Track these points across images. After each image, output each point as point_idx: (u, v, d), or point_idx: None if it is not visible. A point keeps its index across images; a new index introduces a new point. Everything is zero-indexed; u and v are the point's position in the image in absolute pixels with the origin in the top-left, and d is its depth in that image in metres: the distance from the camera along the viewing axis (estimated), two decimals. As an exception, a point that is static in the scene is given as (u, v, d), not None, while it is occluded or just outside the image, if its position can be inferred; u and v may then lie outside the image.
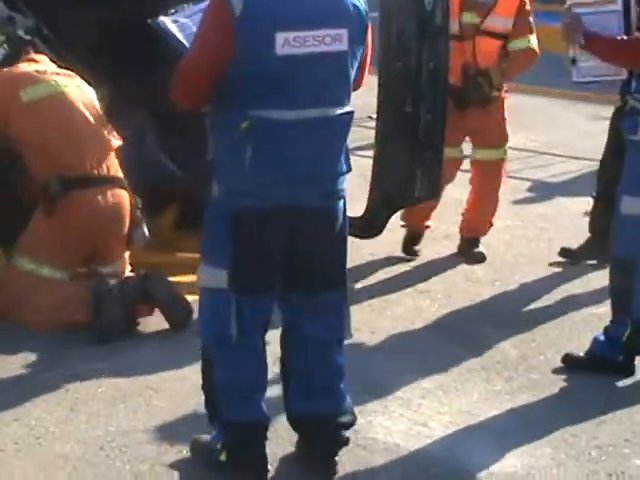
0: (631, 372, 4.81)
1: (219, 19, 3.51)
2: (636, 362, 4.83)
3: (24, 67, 5.20)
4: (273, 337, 3.97)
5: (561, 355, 4.91)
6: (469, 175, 6.43)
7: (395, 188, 5.67)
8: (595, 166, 8.06)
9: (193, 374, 4.23)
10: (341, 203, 3.79)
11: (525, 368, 4.87)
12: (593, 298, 5.75)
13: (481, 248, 6.36)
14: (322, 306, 3.81)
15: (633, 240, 4.69)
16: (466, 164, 6.43)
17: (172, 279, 5.25)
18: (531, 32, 6.12)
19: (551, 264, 6.29)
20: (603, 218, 5.64)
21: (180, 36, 3.79)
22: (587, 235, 6.39)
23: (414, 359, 4.90)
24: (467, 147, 6.40)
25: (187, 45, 3.73)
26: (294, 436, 3.96)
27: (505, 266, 6.27)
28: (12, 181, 5.19)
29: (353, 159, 3.81)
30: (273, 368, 3.95)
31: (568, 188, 8.17)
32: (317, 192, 3.69)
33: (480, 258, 6.30)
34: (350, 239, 3.96)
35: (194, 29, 3.74)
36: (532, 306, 5.69)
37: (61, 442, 4.02)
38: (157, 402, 4.36)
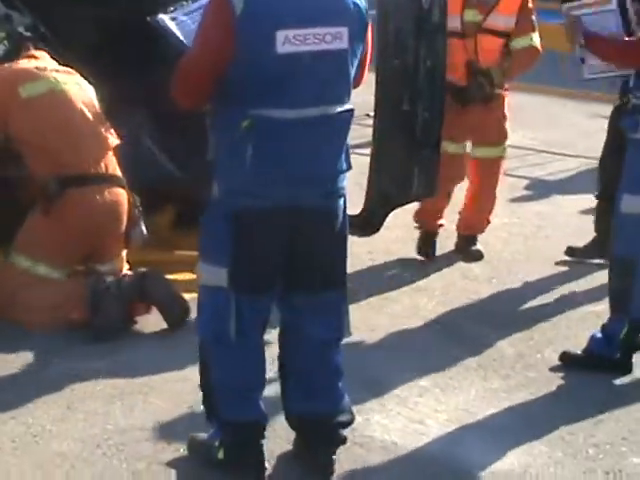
0: (628, 370, 4.82)
1: (220, 18, 3.50)
2: (634, 360, 4.83)
3: (24, 63, 5.19)
4: (271, 337, 3.97)
5: (558, 353, 4.92)
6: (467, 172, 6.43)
7: (392, 186, 5.66)
8: (593, 164, 8.07)
9: (191, 373, 4.23)
10: (341, 202, 3.79)
11: (522, 366, 4.87)
12: (590, 296, 5.75)
13: (478, 246, 6.36)
14: (322, 306, 3.81)
15: (633, 239, 4.69)
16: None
17: (170, 277, 5.25)
18: (534, 30, 6.11)
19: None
20: (606, 217, 5.65)
21: (179, 34, 3.77)
22: (584, 233, 6.40)
23: (411, 357, 4.90)
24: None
25: (186, 43, 3.72)
26: (292, 434, 3.96)
27: (502, 264, 6.27)
28: (10, 179, 5.19)
29: (351, 157, 3.81)
30: (271, 367, 3.95)
31: (565, 186, 8.18)
32: (317, 191, 3.69)
33: (477, 256, 6.30)
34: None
35: (193, 27, 3.73)
36: (529, 304, 5.70)
37: (58, 440, 4.02)
38: (154, 400, 4.36)
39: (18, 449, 3.95)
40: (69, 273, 5.14)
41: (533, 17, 6.15)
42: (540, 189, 8.07)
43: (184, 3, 3.96)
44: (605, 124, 6.23)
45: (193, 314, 4.80)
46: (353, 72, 3.68)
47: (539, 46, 6.12)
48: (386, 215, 5.86)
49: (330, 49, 3.57)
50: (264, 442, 3.83)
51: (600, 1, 4.79)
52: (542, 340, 5.17)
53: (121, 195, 5.21)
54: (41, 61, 5.23)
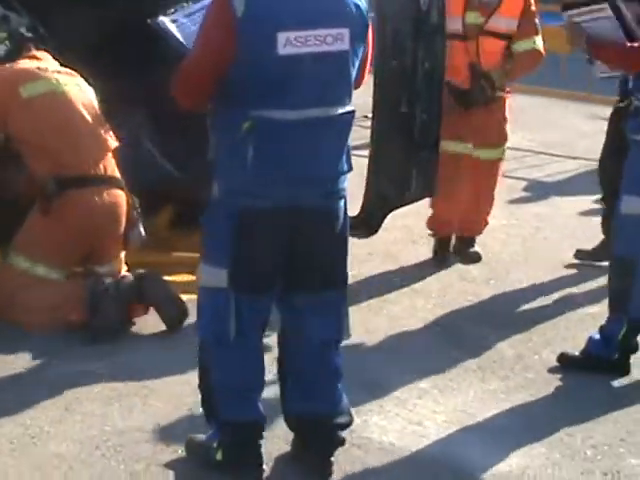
0: (626, 371, 4.82)
1: (221, 19, 3.51)
2: (632, 361, 4.84)
3: (25, 64, 5.19)
4: (270, 340, 3.97)
5: (557, 354, 4.92)
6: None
7: (391, 187, 5.67)
8: (591, 166, 8.07)
9: (189, 374, 4.23)
10: (342, 203, 3.79)
11: (521, 367, 4.87)
12: (589, 297, 5.76)
13: (476, 248, 6.36)
14: (322, 305, 3.81)
15: (633, 240, 4.69)
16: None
17: (168, 278, 5.26)
18: (537, 33, 6.07)
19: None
20: (611, 218, 5.64)
21: (179, 36, 3.77)
22: (583, 234, 6.41)
23: (410, 358, 4.90)
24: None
25: (187, 45, 3.72)
26: (290, 435, 3.96)
27: (500, 265, 6.28)
28: (10, 179, 5.19)
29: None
30: (270, 369, 3.95)
31: (564, 188, 8.18)
32: (318, 192, 3.69)
33: (475, 258, 6.30)
34: (346, 239, 3.96)
35: (194, 29, 3.74)
36: (528, 305, 5.70)
37: (56, 442, 4.02)
38: (153, 402, 4.36)
39: (16, 450, 3.95)
40: (68, 274, 5.14)
41: (536, 20, 6.12)
42: (538, 191, 8.08)
43: (185, 5, 3.97)
44: (603, 125, 6.24)
45: (191, 315, 4.81)
46: (354, 73, 3.69)
47: (542, 49, 6.09)
48: (384, 217, 5.85)
49: (331, 50, 3.57)
50: (262, 443, 3.84)
51: (594, 9, 4.82)
52: (540, 341, 5.17)
53: (120, 197, 5.21)
54: (43, 62, 5.23)
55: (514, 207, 7.51)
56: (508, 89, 6.23)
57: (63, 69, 5.26)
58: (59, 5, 5.62)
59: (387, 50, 5.35)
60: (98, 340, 4.87)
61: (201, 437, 3.91)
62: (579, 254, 6.33)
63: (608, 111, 6.26)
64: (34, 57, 5.25)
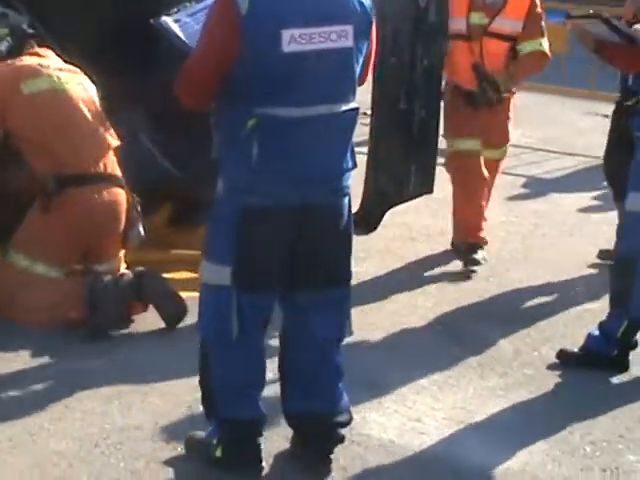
0: (625, 367, 4.82)
1: (225, 18, 3.51)
2: (631, 357, 4.84)
3: (27, 60, 5.19)
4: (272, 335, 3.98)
5: (556, 351, 4.92)
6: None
7: (390, 184, 5.68)
8: (590, 162, 8.09)
9: (189, 371, 4.22)
10: (346, 200, 3.79)
11: (520, 364, 4.87)
12: (588, 294, 5.76)
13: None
14: (325, 303, 3.81)
15: (635, 237, 4.68)
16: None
17: (167, 276, 5.26)
18: (542, 35, 6.00)
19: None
20: None
21: (182, 36, 3.77)
22: (581, 231, 6.40)
23: (409, 355, 4.91)
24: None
25: (189, 45, 3.71)
26: (289, 432, 3.96)
27: (500, 262, 6.27)
28: (10, 177, 5.19)
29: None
30: (270, 367, 3.95)
31: (563, 184, 8.19)
32: (323, 189, 3.69)
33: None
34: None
35: (197, 28, 3.73)
36: (527, 302, 5.70)
37: (56, 439, 4.01)
38: (152, 399, 4.36)
39: (15, 448, 3.95)
40: (67, 272, 5.14)
41: (542, 22, 6.05)
42: (537, 187, 8.08)
43: (187, 4, 3.96)
44: (602, 122, 6.23)
45: (190, 313, 4.81)
46: (358, 70, 3.68)
47: (548, 51, 6.02)
48: (383, 214, 5.87)
49: (335, 47, 3.57)
50: (262, 440, 3.84)
51: (590, 22, 4.87)
52: (540, 338, 5.17)
53: (120, 195, 5.21)
54: (45, 59, 5.22)
55: (513, 204, 7.51)
56: (514, 90, 6.17)
57: (65, 66, 5.25)
58: (58, 3, 5.62)
59: (386, 47, 5.36)
60: (97, 338, 4.88)
61: (201, 434, 3.91)
62: (602, 254, 6.19)
63: (607, 108, 6.27)
64: (36, 54, 5.24)
